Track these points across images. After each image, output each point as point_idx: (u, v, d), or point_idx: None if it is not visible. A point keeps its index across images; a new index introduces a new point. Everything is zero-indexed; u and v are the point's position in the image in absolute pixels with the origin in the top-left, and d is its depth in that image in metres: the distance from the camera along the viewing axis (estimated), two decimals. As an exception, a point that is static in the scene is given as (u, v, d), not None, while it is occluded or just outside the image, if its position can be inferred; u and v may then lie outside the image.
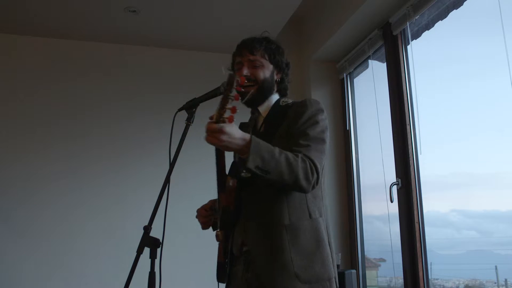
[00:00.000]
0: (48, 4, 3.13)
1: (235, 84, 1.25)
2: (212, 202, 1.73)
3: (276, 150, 1.39)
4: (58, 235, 3.25)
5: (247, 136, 1.35)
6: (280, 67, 1.68)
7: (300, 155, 1.42)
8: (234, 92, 1.25)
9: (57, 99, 3.50)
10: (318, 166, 1.43)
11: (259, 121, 1.67)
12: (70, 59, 3.60)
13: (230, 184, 1.52)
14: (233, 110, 1.27)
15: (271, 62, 1.66)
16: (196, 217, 1.72)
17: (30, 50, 3.54)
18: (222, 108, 1.27)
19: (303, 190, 1.44)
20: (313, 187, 1.44)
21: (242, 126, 1.79)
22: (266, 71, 1.64)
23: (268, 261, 1.46)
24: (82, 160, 3.43)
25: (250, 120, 1.75)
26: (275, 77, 1.68)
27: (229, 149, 1.37)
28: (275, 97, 1.70)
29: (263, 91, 1.64)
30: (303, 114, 1.54)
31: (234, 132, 1.32)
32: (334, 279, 1.50)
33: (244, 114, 1.83)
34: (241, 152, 1.36)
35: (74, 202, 3.33)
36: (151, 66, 3.77)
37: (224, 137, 1.30)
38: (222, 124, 1.29)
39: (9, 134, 3.34)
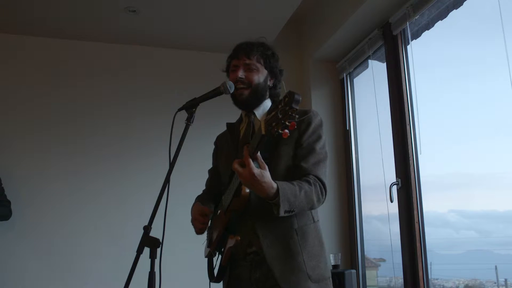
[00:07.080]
0: (48, 4, 3.13)
1: (299, 101, 1.15)
2: (202, 207, 1.70)
3: (296, 188, 1.46)
4: (59, 236, 3.25)
5: (274, 184, 1.40)
6: (274, 73, 1.72)
7: (311, 179, 1.53)
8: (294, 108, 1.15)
9: (57, 99, 3.50)
10: (326, 183, 1.57)
11: (256, 124, 1.68)
12: (70, 59, 3.60)
13: (247, 190, 1.52)
14: (292, 126, 1.16)
15: (266, 68, 1.70)
16: (192, 221, 1.71)
17: (30, 50, 3.54)
18: (281, 122, 1.16)
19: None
20: (322, 203, 1.59)
21: (230, 126, 1.81)
22: (261, 76, 1.68)
23: (283, 263, 1.52)
24: (82, 160, 3.43)
25: (238, 121, 1.79)
26: (269, 83, 1.71)
27: (258, 192, 1.41)
28: (268, 102, 1.73)
29: (256, 94, 1.67)
30: (309, 126, 1.61)
31: (268, 179, 1.38)
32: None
33: (227, 112, 1.90)
34: (267, 198, 1.42)
35: (75, 202, 3.33)
36: (151, 66, 3.77)
37: (261, 184, 1.36)
38: (261, 171, 1.35)
39: (9, 134, 3.34)
